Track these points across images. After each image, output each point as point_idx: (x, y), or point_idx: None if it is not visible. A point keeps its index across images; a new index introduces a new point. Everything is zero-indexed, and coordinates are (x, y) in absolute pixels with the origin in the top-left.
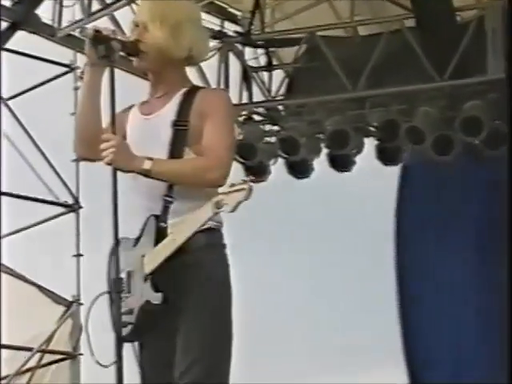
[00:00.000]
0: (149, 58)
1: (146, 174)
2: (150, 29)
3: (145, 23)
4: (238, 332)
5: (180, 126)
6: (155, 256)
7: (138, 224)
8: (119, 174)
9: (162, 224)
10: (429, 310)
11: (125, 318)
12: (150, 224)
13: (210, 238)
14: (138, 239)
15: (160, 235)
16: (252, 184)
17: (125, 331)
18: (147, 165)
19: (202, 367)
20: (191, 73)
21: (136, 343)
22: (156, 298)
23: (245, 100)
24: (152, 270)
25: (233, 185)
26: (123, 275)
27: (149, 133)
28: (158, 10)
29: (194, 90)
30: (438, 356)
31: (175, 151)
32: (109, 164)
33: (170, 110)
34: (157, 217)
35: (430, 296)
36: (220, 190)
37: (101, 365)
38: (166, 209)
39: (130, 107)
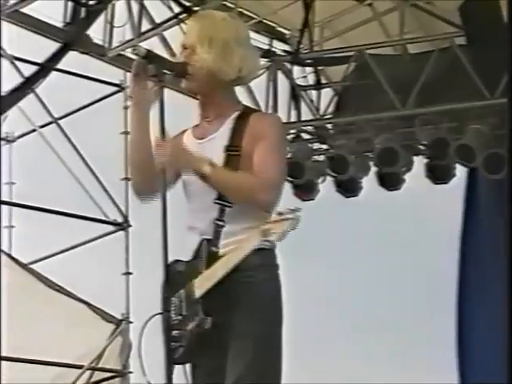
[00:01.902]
0: (198, 80)
1: (203, 177)
2: (198, 51)
3: (193, 45)
4: (293, 345)
5: (232, 151)
6: (205, 280)
7: (192, 246)
8: (174, 195)
9: (214, 248)
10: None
11: (176, 340)
12: (202, 248)
13: (262, 259)
14: (189, 262)
15: (211, 259)
16: (299, 214)
17: (176, 353)
18: (207, 169)
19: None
20: (239, 92)
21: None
22: (206, 322)
23: (293, 119)
24: (202, 293)
25: (280, 213)
26: (176, 298)
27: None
28: (205, 32)
29: (246, 114)
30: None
31: None
32: (165, 166)
33: (222, 135)
34: (208, 240)
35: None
36: (268, 218)
37: None
38: (217, 233)
39: (183, 132)
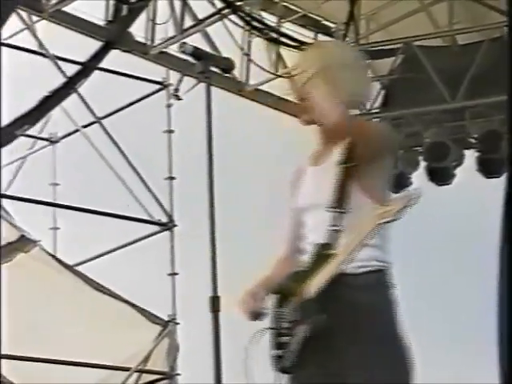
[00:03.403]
0: (315, 112)
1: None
2: (311, 87)
3: (304, 82)
4: None
5: (345, 164)
6: (318, 280)
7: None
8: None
9: (329, 251)
10: None
11: (284, 347)
12: (317, 252)
13: (376, 279)
14: (301, 270)
15: (325, 260)
16: (419, 191)
17: (284, 361)
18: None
19: None
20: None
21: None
22: (319, 320)
23: None
24: (314, 293)
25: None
26: (286, 308)
27: (318, 180)
28: (314, 66)
29: (356, 128)
30: None
31: (341, 186)
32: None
33: (337, 152)
34: (323, 244)
35: None
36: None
37: None
38: (333, 237)
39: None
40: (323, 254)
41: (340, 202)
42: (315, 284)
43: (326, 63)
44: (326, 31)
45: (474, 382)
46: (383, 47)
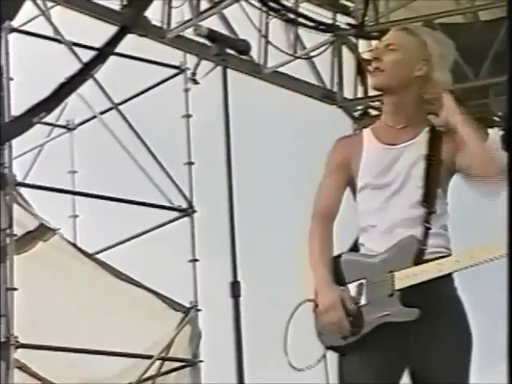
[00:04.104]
0: (390, 76)
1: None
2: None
3: (396, 44)
4: None
5: (434, 162)
6: (413, 275)
7: (369, 243)
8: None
9: (423, 247)
10: None
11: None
12: (410, 243)
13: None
14: (381, 254)
15: (419, 256)
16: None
17: (339, 340)
18: None
19: None
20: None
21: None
22: (409, 313)
23: (360, 95)
24: (403, 286)
25: None
26: (352, 285)
27: (394, 161)
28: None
29: (437, 130)
30: None
31: (430, 187)
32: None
33: (419, 144)
34: (419, 241)
35: None
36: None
37: (295, 368)
38: (426, 234)
39: (356, 134)
40: (420, 249)
41: (431, 199)
42: (405, 280)
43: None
44: (345, 10)
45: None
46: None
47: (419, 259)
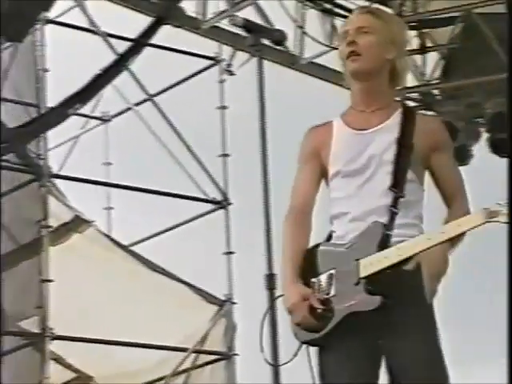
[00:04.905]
0: (365, 59)
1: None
2: (374, 35)
3: (370, 28)
4: None
5: (405, 146)
6: (376, 261)
7: (340, 231)
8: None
9: (388, 232)
10: None
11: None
12: (375, 230)
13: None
14: (347, 244)
15: (384, 242)
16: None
17: (311, 334)
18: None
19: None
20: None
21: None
22: (371, 302)
23: None
24: (368, 274)
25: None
26: (323, 276)
27: (364, 147)
28: (386, 23)
29: (409, 111)
30: None
31: (399, 170)
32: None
33: (391, 128)
34: (385, 225)
35: None
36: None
37: (270, 363)
38: (392, 219)
39: (326, 123)
40: (384, 235)
41: (400, 184)
42: (369, 267)
43: (396, 30)
44: (382, 0)
45: None
46: (442, 15)
47: (384, 245)
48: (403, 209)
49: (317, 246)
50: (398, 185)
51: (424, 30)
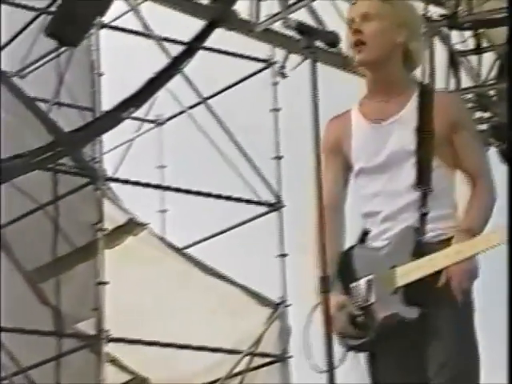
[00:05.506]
0: (372, 48)
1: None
2: (378, 21)
3: (373, 14)
4: None
5: (425, 133)
6: (411, 270)
7: (373, 230)
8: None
9: (421, 236)
10: None
11: (358, 327)
12: (407, 236)
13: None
14: (382, 248)
15: (417, 249)
16: None
17: (356, 341)
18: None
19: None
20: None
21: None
22: (409, 312)
23: (452, 87)
24: (405, 283)
25: None
26: (362, 281)
27: (384, 140)
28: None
29: (427, 92)
30: None
31: (424, 160)
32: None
33: (408, 116)
34: (416, 230)
35: None
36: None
37: (317, 369)
38: (422, 221)
39: (345, 113)
40: (417, 241)
41: (426, 176)
42: (405, 276)
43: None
44: (437, 1)
45: None
46: (498, 15)
47: (418, 251)
48: (433, 201)
49: (352, 247)
50: (424, 178)
51: (480, 30)
